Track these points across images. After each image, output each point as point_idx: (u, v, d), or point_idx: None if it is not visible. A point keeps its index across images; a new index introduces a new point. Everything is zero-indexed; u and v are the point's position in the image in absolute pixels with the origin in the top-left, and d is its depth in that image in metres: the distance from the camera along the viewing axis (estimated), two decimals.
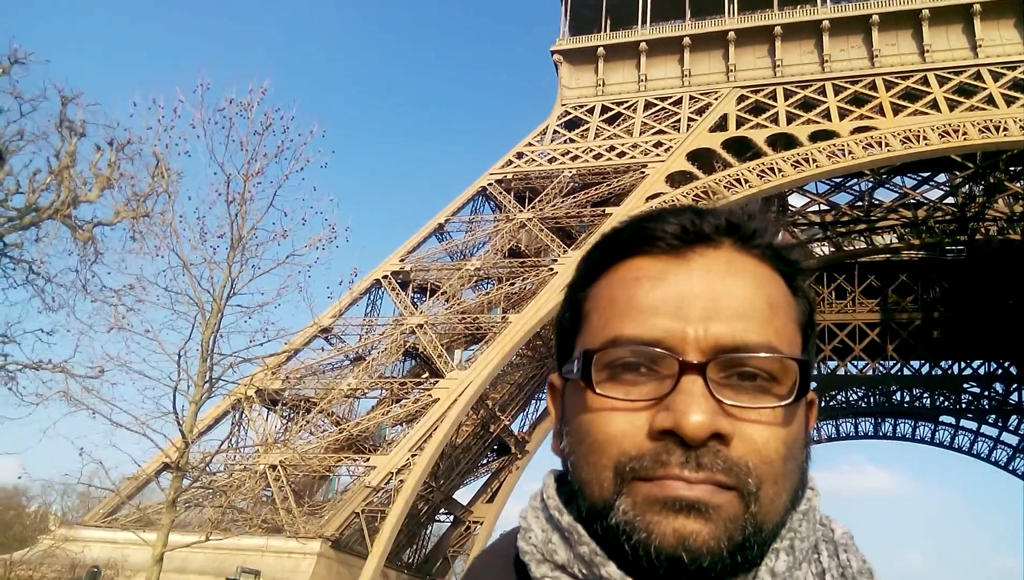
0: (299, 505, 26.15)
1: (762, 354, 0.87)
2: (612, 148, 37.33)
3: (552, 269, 32.74)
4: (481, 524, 36.63)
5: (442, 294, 34.03)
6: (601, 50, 41.51)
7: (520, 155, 38.82)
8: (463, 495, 36.63)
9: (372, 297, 35.27)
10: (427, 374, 31.81)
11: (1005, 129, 32.65)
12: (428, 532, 36.46)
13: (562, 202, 35.73)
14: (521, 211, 35.98)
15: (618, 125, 39.01)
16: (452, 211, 37.39)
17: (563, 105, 41.01)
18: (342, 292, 17.81)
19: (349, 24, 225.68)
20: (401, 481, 27.46)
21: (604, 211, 34.20)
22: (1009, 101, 33.75)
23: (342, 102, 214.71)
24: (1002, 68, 35.20)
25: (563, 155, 38.00)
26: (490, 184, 37.48)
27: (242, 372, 13.98)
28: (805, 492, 0.95)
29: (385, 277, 34.78)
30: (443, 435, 29.32)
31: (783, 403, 0.87)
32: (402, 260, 35.59)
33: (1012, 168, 43.16)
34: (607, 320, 0.93)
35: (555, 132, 39.92)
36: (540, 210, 35.64)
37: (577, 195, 35.83)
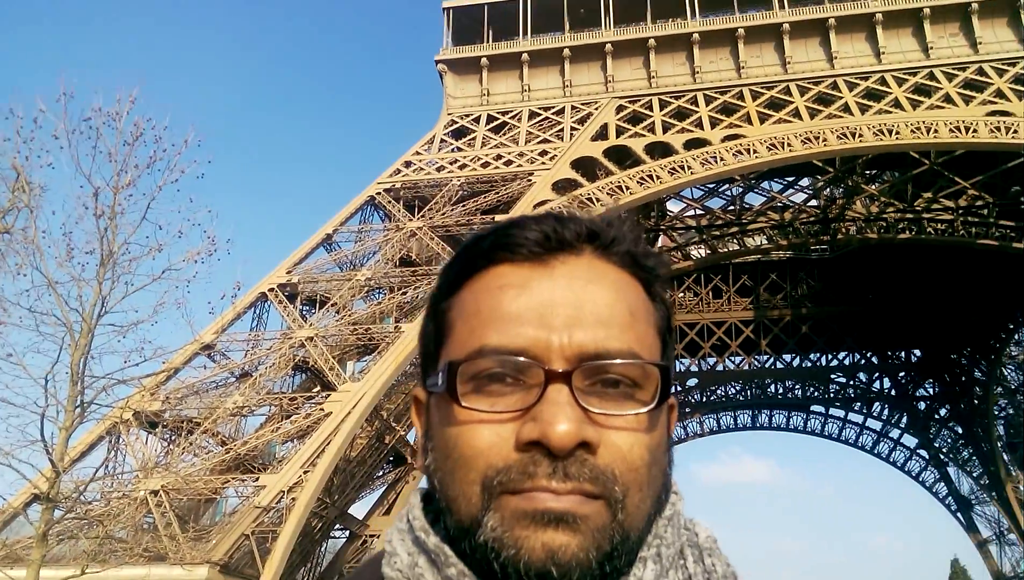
0: (184, 531, 24.98)
1: (624, 360, 0.89)
2: (499, 157, 37.82)
3: None
4: (378, 538, 36.12)
5: (332, 305, 33.43)
6: (484, 60, 42.01)
7: (408, 164, 38.72)
8: (359, 509, 36.06)
9: (258, 311, 34.23)
10: (318, 388, 31.14)
11: (860, 136, 35.26)
12: (323, 549, 35.60)
13: (452, 210, 35.87)
14: (411, 220, 35.87)
15: (504, 134, 39.58)
16: (340, 221, 36.81)
17: (449, 114, 41.21)
18: (225, 307, 17.28)
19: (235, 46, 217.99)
20: (293, 499, 26.74)
21: (494, 219, 34.53)
22: (863, 109, 36.50)
23: (222, 112, 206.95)
24: (856, 79, 38.03)
25: (451, 164, 38.19)
26: (379, 193, 37.17)
27: (117, 394, 13.30)
28: (669, 497, 0.97)
29: (271, 290, 33.83)
30: (336, 449, 28.77)
31: (646, 409, 0.89)
32: (289, 272, 34.72)
33: (868, 172, 46.67)
34: (472, 329, 0.92)
35: (442, 141, 40.06)
36: (430, 219, 35.64)
37: (467, 203, 36.06)
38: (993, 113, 34.59)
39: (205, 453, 28.93)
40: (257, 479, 27.64)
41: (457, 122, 40.92)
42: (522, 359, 0.87)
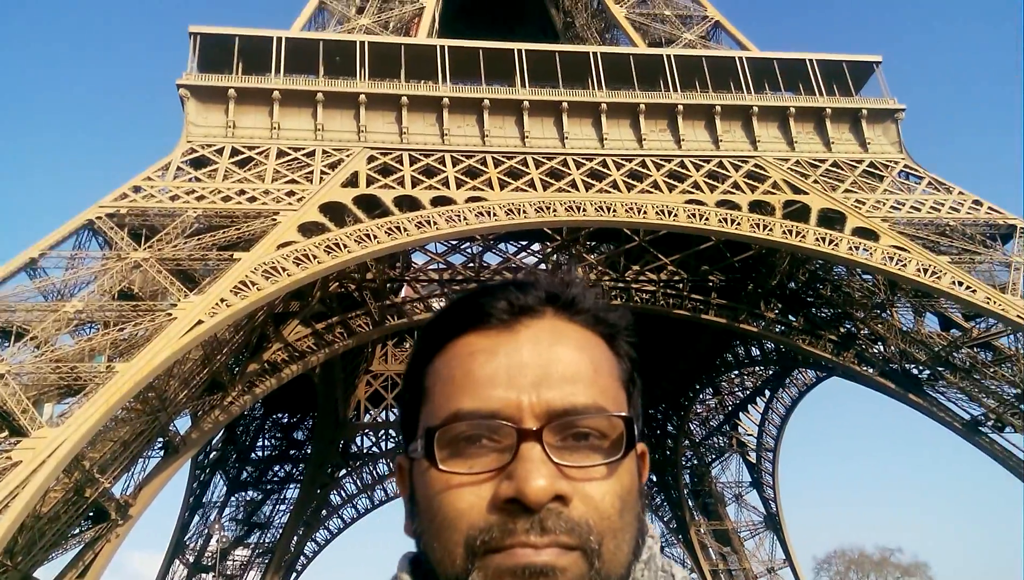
0: None
1: (591, 414, 0.94)
2: (242, 192, 36.25)
3: (171, 314, 30.36)
4: None
5: (31, 339, 29.33)
6: (232, 92, 40.35)
7: (137, 189, 35.59)
8: (48, 571, 31.30)
9: None
10: (6, 433, 26.96)
11: (584, 210, 39.10)
12: None
13: (185, 243, 33.50)
14: (136, 250, 32.88)
15: (249, 169, 38.08)
16: (50, 244, 32.57)
17: (189, 142, 38.76)
18: None
19: None
20: None
21: (232, 256, 32.89)
22: (588, 186, 40.59)
23: None
24: (582, 159, 42.23)
25: (188, 193, 35.80)
26: (99, 217, 33.61)
27: None
28: (645, 540, 1.02)
29: None
30: (23, 505, 24.97)
31: (613, 459, 0.94)
32: None
33: (589, 242, 51.76)
34: (447, 396, 0.98)
35: (179, 169, 37.47)
36: (159, 250, 32.95)
37: (202, 237, 33.92)
38: (691, 201, 40.24)
39: None
40: None
41: (197, 151, 38.61)
42: (495, 421, 0.94)
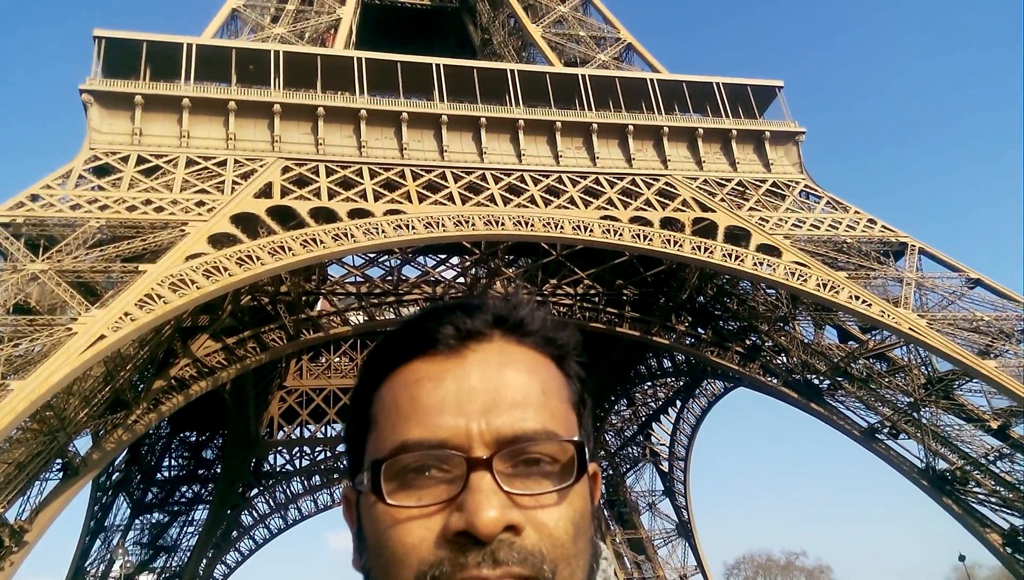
0: None
1: (541, 440, 0.93)
2: (149, 202, 35.00)
3: (71, 329, 28.98)
4: None
5: None
6: (139, 98, 39.00)
7: (35, 197, 33.87)
8: None
9: None
10: None
11: (502, 224, 39.47)
12: None
13: (86, 255, 32.08)
14: (34, 261, 31.28)
15: (156, 178, 36.82)
16: None
17: (92, 149, 37.19)
18: None
19: None
20: None
21: (137, 267, 31.67)
22: (506, 201, 41.02)
23: None
24: (501, 174, 42.66)
25: (90, 203, 34.30)
26: None
27: None
28: (599, 563, 1.00)
29: None
30: None
31: (565, 485, 0.92)
32: None
33: (507, 257, 52.20)
34: (393, 425, 0.95)
35: (81, 177, 35.88)
36: (58, 262, 31.43)
37: (106, 248, 32.55)
38: (605, 217, 41.20)
39: None
40: None
41: (101, 159, 37.08)
42: (443, 451, 0.91)
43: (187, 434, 59.95)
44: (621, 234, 40.13)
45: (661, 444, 68.24)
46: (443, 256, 53.38)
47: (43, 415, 30.33)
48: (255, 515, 63.76)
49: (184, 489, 60.12)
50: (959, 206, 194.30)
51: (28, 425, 30.22)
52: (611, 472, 70.31)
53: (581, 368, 1.10)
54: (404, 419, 0.95)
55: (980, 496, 40.57)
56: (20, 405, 26.61)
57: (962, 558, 51.68)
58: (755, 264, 39.83)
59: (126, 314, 29.65)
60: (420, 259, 52.25)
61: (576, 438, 0.96)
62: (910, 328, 37.73)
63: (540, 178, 43.00)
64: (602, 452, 69.04)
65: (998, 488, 39.85)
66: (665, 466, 68.11)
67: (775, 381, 48.15)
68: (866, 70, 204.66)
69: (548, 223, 39.79)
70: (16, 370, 28.47)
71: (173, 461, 60.10)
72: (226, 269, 32.61)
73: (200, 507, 59.86)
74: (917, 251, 42.42)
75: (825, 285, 39.03)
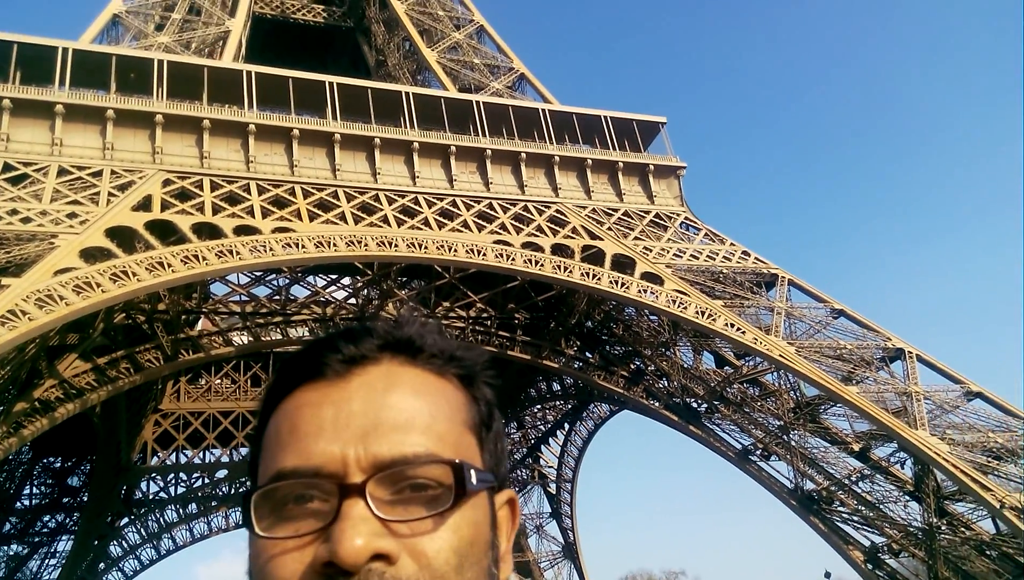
0: None
1: (422, 463, 0.88)
2: (15, 212, 32.84)
3: None
4: None
5: None
6: (7, 102, 36.69)
7: None
8: None
9: None
10: None
11: (396, 245, 39.32)
12: None
13: None
14: None
15: (23, 188, 34.64)
16: None
17: None
18: None
19: None
20: None
21: (0, 281, 29.69)
22: (400, 223, 40.90)
23: None
24: (393, 195, 42.53)
25: None
26: None
27: None
28: None
29: None
30: None
31: (441, 510, 0.86)
32: None
33: (401, 278, 51.99)
34: (272, 455, 0.93)
35: None
36: None
37: None
38: (498, 242, 41.74)
39: None
40: None
41: None
42: (316, 478, 0.88)
43: (51, 460, 56.13)
44: (513, 259, 40.76)
45: (549, 467, 69.19)
46: (334, 276, 52.60)
47: None
48: (125, 546, 60.14)
49: (47, 519, 56.10)
50: (825, 237, 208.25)
51: None
52: None
53: (487, 390, 1.06)
54: (282, 447, 0.92)
55: (844, 515, 43.28)
56: None
57: (827, 575, 54.69)
58: (639, 291, 41.31)
59: None
60: (310, 279, 51.26)
61: (456, 459, 0.90)
62: (780, 355, 40.01)
63: (434, 201, 43.18)
64: None
65: (860, 507, 42.64)
66: (553, 488, 69.01)
67: (657, 404, 49.87)
68: (746, 108, 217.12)
69: (442, 246, 39.96)
70: None
71: (35, 488, 56.06)
72: (99, 285, 30.98)
73: (64, 538, 56.03)
74: (787, 282, 45.11)
75: (703, 313, 40.89)
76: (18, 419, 37.61)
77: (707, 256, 45.45)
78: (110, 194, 35.66)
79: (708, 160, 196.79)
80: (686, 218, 48.86)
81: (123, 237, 34.10)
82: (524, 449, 69.53)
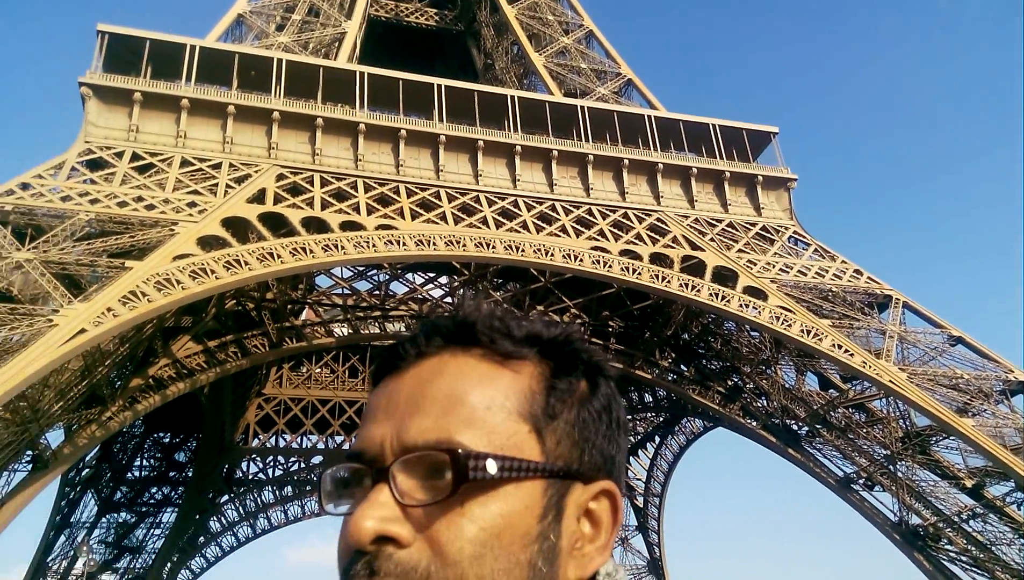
0: None
1: (432, 450, 0.89)
2: (140, 199, 34.94)
3: (51, 320, 28.76)
4: None
5: None
6: (139, 95, 39.07)
7: (25, 186, 33.77)
8: None
9: None
10: None
11: (493, 247, 39.57)
12: None
13: (73, 247, 31.92)
14: (19, 249, 31.10)
15: (150, 176, 36.78)
16: None
17: (87, 142, 37.17)
18: None
19: None
20: None
21: (124, 263, 31.53)
22: (498, 225, 41.14)
23: None
24: (495, 197, 42.87)
25: (81, 195, 34.22)
26: None
27: None
28: None
29: None
30: None
31: (440, 499, 0.87)
32: None
33: (496, 280, 52.29)
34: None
35: (74, 169, 35.82)
36: (44, 252, 31.27)
37: (93, 242, 32.42)
38: (596, 248, 41.38)
39: None
40: None
41: (95, 153, 37.05)
42: (359, 461, 0.95)
43: (161, 435, 59.36)
44: (610, 266, 40.28)
45: (637, 479, 67.97)
46: (432, 274, 53.42)
47: (16, 405, 30.00)
48: (224, 522, 62.98)
49: (154, 490, 59.37)
50: (946, 260, 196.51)
51: (0, 414, 29.86)
52: None
53: (560, 377, 1.02)
54: (357, 434, 1.01)
55: (951, 554, 40.57)
56: None
57: None
58: (741, 305, 40.03)
59: (109, 310, 29.47)
60: (409, 276, 52.27)
61: (459, 448, 0.88)
62: (890, 381, 37.90)
63: (534, 204, 43.21)
64: None
65: (970, 547, 39.87)
66: (640, 501, 67.81)
67: (754, 423, 48.18)
68: (863, 119, 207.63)
69: (539, 249, 39.92)
70: None
71: (145, 461, 59.41)
72: (213, 272, 32.52)
73: (168, 510, 59.11)
74: (901, 305, 42.74)
75: (809, 331, 39.22)
76: (134, 394, 39.94)
77: (816, 273, 43.59)
78: (227, 186, 37.39)
79: (820, 171, 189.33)
80: (795, 232, 47.05)
81: (237, 227, 35.70)
82: None
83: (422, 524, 0.86)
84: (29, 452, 33.87)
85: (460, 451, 0.88)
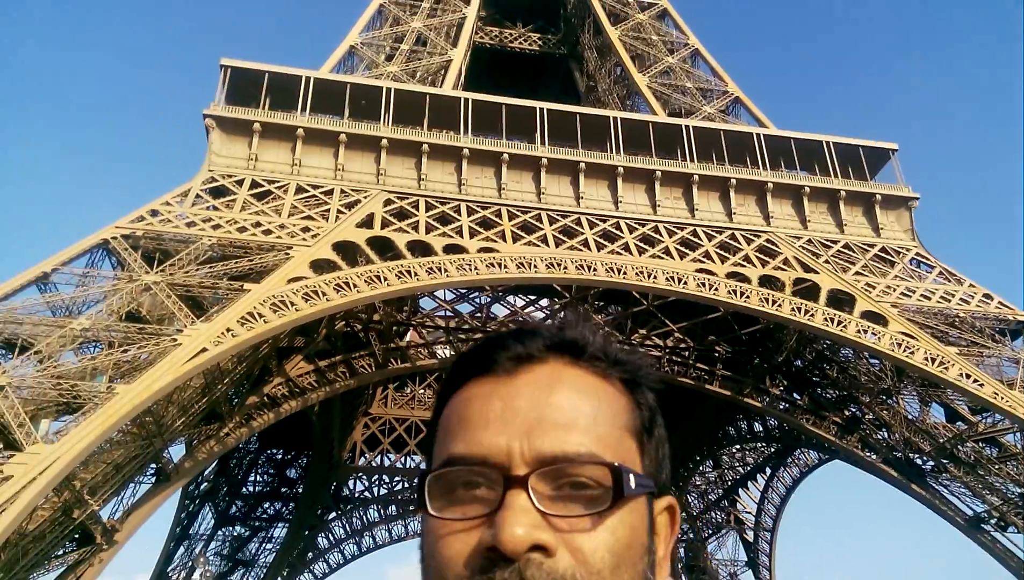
0: None
1: (583, 462, 0.92)
2: (258, 224, 36.68)
3: (176, 339, 30.45)
4: None
5: (35, 353, 29.43)
6: (258, 126, 41.19)
7: (155, 213, 36.10)
8: None
9: None
10: (0, 446, 26.87)
11: (595, 269, 39.24)
12: None
13: (197, 270, 33.80)
14: (148, 273, 33.19)
15: (267, 203, 38.61)
16: (63, 261, 32.94)
17: (211, 171, 39.43)
18: None
19: None
20: None
21: (243, 286, 33.11)
22: (600, 247, 40.81)
23: None
24: (596, 219, 42.55)
25: (204, 221, 36.26)
26: (115, 238, 34.03)
27: None
28: None
29: None
30: (10, 521, 24.71)
31: (599, 510, 0.90)
32: None
33: (597, 303, 51.78)
34: (443, 441, 1.00)
35: (198, 196, 38.03)
36: (171, 274, 33.24)
37: (215, 266, 34.23)
38: (701, 270, 40.33)
39: None
40: None
41: (218, 181, 39.25)
42: (484, 467, 0.93)
43: (274, 451, 61.63)
44: (717, 289, 39.15)
45: (747, 512, 65.36)
46: (533, 297, 53.50)
47: (143, 420, 31.80)
48: (331, 539, 64.64)
49: (267, 505, 61.62)
50: None
51: (128, 428, 31.74)
52: (691, 536, 67.71)
53: (651, 396, 1.08)
54: (452, 435, 0.98)
55: None
56: (124, 408, 28.01)
57: None
58: (859, 331, 37.99)
59: (228, 330, 30.94)
60: (510, 298, 52.56)
61: (616, 462, 0.92)
62: None
63: (636, 226, 42.64)
64: (684, 514, 66.57)
65: None
66: (750, 535, 65.08)
67: (874, 457, 45.45)
68: (991, 136, 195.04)
69: (641, 272, 39.30)
70: (123, 374, 30.10)
71: (259, 476, 61.80)
72: (324, 294, 33.65)
73: (280, 525, 61.17)
74: None
75: (934, 359, 36.78)
76: (249, 411, 41.69)
77: (941, 297, 40.93)
78: (339, 211, 38.76)
79: (947, 189, 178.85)
80: (917, 254, 44.41)
81: (347, 251, 36.89)
82: (720, 490, 66.28)
83: (563, 533, 0.88)
84: (153, 465, 35.84)
85: (618, 466, 0.91)
